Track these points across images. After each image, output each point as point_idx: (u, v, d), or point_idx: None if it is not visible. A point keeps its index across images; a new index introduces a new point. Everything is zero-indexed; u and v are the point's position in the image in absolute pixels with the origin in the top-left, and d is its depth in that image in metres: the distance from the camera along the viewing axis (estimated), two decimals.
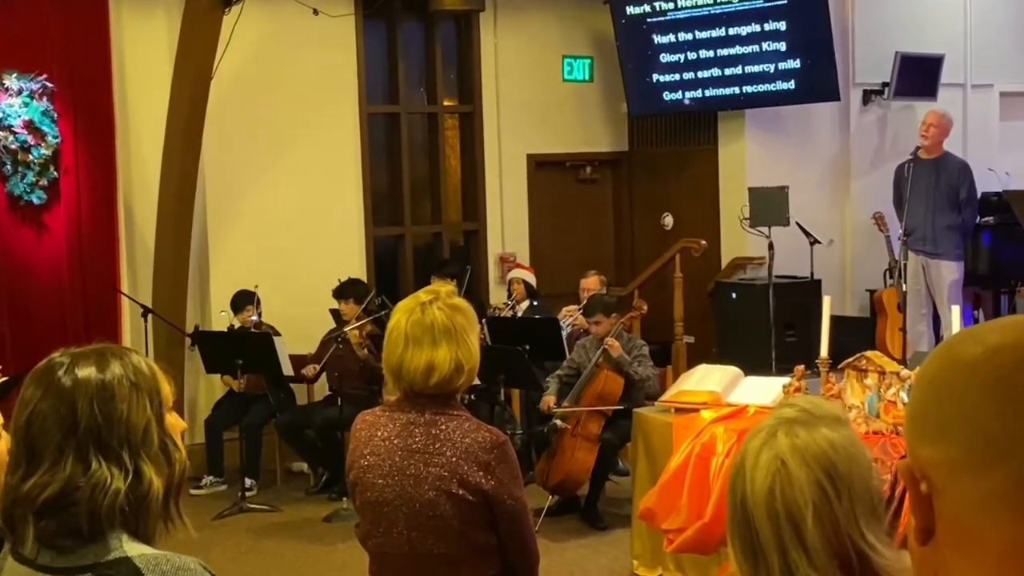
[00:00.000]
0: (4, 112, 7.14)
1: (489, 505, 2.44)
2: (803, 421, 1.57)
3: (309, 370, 7.39)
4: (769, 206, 7.74)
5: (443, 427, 2.49)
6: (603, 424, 6.42)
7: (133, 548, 1.58)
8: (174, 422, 1.70)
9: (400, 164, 8.88)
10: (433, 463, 2.46)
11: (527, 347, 6.85)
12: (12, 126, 7.16)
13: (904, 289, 7.71)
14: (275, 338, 7.04)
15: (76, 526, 1.57)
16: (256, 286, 7.45)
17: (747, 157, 8.82)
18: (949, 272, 7.76)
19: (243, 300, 7.46)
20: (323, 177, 8.33)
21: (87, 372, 1.63)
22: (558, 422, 6.38)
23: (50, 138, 7.27)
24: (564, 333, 7.29)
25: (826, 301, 5.03)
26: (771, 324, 7.64)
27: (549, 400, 6.56)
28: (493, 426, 6.86)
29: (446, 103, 9.18)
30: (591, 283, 7.66)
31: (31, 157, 7.23)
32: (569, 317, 7.58)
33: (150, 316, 7.34)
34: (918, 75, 8.94)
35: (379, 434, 2.55)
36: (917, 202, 7.74)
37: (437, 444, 2.48)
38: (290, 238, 8.19)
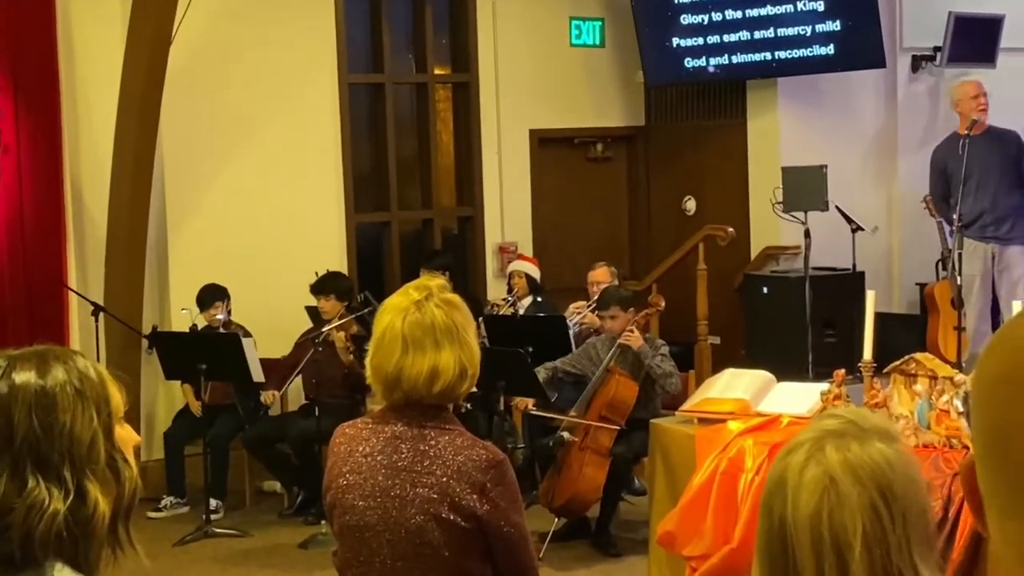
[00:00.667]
0: None
1: (484, 532, 2.43)
2: (853, 433, 1.54)
3: (267, 397, 7.39)
4: (805, 188, 7.73)
5: (433, 442, 2.48)
6: (615, 436, 6.42)
7: None
8: (126, 435, 1.69)
9: (385, 141, 8.88)
10: (421, 483, 2.45)
11: (530, 349, 6.83)
12: None
13: (959, 282, 7.69)
14: (244, 340, 7.03)
15: (7, 553, 1.56)
16: (227, 289, 7.45)
17: (780, 132, 8.81)
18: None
19: (211, 296, 7.46)
20: (298, 157, 8.33)
21: (25, 377, 1.61)
22: (564, 434, 6.37)
23: None
24: (571, 332, 7.28)
25: (870, 296, 5.02)
26: (807, 323, 7.63)
27: (526, 400, 6.56)
28: (492, 439, 6.81)
29: (437, 72, 9.17)
30: (600, 275, 7.66)
31: None
32: (577, 314, 7.57)
33: (101, 315, 7.33)
34: (975, 38, 8.92)
35: (360, 449, 2.54)
36: (977, 184, 7.71)
37: (426, 462, 2.47)
38: (261, 226, 8.19)
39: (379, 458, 2.51)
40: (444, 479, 2.44)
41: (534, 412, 6.54)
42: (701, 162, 9.48)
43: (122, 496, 1.64)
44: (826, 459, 1.52)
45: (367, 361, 2.52)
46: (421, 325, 2.46)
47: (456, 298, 2.54)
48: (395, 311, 2.49)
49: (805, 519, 1.50)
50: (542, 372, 6.62)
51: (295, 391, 7.76)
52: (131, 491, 1.65)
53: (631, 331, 6.52)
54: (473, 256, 9.26)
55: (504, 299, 8.08)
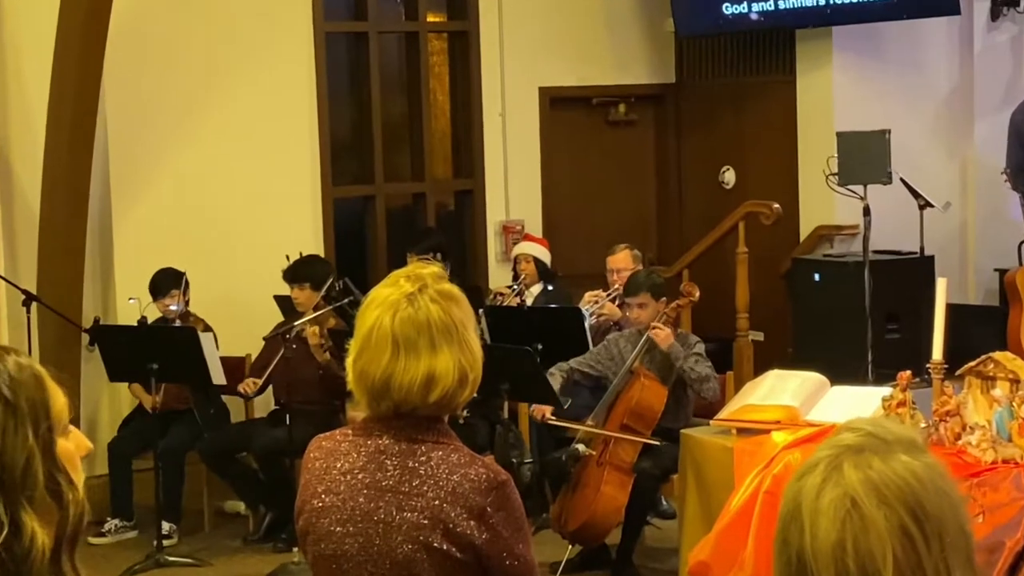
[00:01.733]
0: None
1: (482, 565, 2.44)
2: (873, 448, 1.54)
3: (248, 385, 7.40)
4: (864, 157, 7.71)
5: (424, 458, 2.47)
6: (640, 449, 6.43)
7: None
8: (71, 447, 1.66)
9: (368, 102, 8.88)
10: (409, 506, 2.45)
11: (539, 346, 6.83)
12: None
13: None
14: (202, 335, 7.05)
15: None
16: (184, 273, 7.46)
17: (835, 91, 8.79)
18: None
19: (166, 282, 7.48)
20: (265, 121, 8.33)
21: None
22: (580, 447, 6.39)
23: None
24: (588, 326, 7.30)
25: (941, 285, 5.02)
26: (866, 316, 7.62)
27: (544, 409, 6.57)
28: (494, 452, 6.84)
29: (431, 19, 9.16)
30: (621, 260, 7.67)
31: None
32: (595, 305, 7.58)
33: (34, 305, 7.35)
34: None
35: (339, 465, 2.53)
36: None
37: (416, 481, 2.46)
38: (222, 202, 8.20)
39: (361, 476, 2.50)
40: (436, 502, 2.43)
41: (554, 423, 6.54)
42: (742, 127, 9.46)
43: (65, 524, 1.62)
44: (845, 479, 1.52)
45: (349, 363, 2.51)
46: (414, 323, 2.45)
47: (454, 290, 2.54)
48: (383, 306, 2.48)
49: (826, 550, 1.50)
50: (555, 375, 6.63)
51: (262, 395, 7.77)
52: (76, 517, 1.63)
53: (659, 326, 6.52)
54: (472, 237, 9.27)
55: (509, 287, 8.09)
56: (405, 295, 2.48)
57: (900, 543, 1.49)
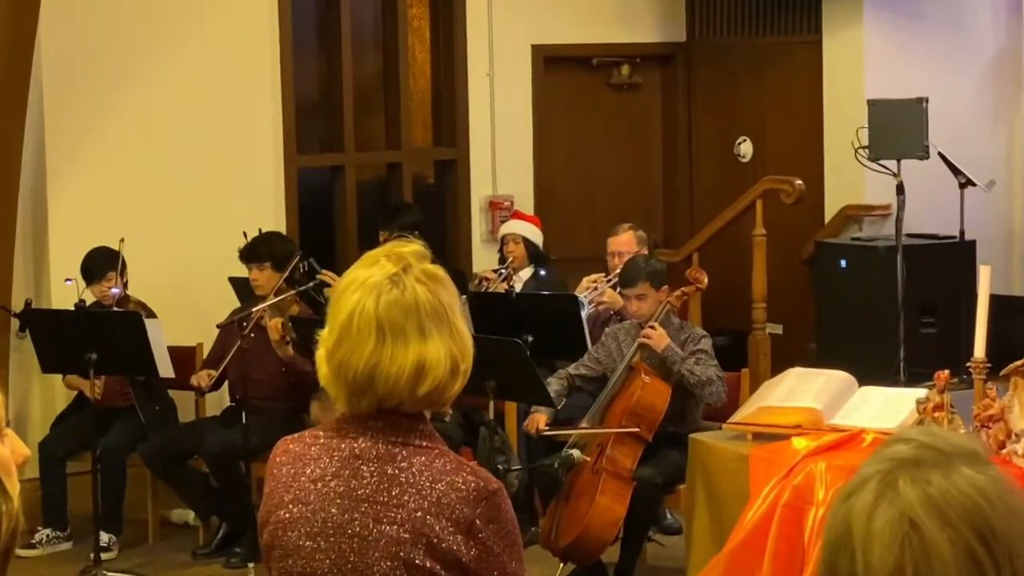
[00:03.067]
0: None
1: None
2: (932, 460, 1.51)
3: (202, 377, 7.39)
4: (898, 128, 7.73)
5: (405, 464, 2.47)
6: (640, 455, 6.45)
7: None
8: (6, 452, 1.66)
9: (338, 60, 8.86)
10: (388, 518, 2.44)
11: (529, 338, 6.83)
12: None
13: None
14: (147, 321, 7.04)
15: None
16: (122, 240, 7.44)
17: (866, 54, 8.80)
18: None
19: (101, 264, 7.45)
20: (221, 80, 8.31)
21: None
22: (573, 452, 6.39)
23: None
24: (585, 315, 7.30)
25: (984, 273, 5.03)
26: (899, 307, 7.65)
27: (539, 419, 6.58)
28: (477, 458, 6.83)
29: None
30: (624, 242, 7.67)
31: None
32: (593, 291, 7.58)
33: None
34: None
35: (309, 472, 2.52)
36: None
37: (395, 490, 2.45)
38: (171, 173, 8.18)
39: (333, 484, 2.50)
40: (419, 513, 2.43)
41: (549, 433, 6.53)
42: (761, 92, 9.46)
43: None
44: (901, 497, 1.49)
45: (321, 357, 2.50)
46: (401, 306, 2.45)
47: (439, 271, 2.53)
48: (364, 288, 2.47)
49: None
50: (554, 383, 6.64)
51: (216, 391, 7.76)
52: (9, 532, 1.62)
53: (652, 326, 6.52)
54: (454, 214, 9.26)
55: (495, 271, 8.09)
56: (388, 276, 2.47)
57: (967, 570, 1.46)
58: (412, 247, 2.55)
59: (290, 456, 2.59)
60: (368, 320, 2.45)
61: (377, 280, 2.47)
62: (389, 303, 2.45)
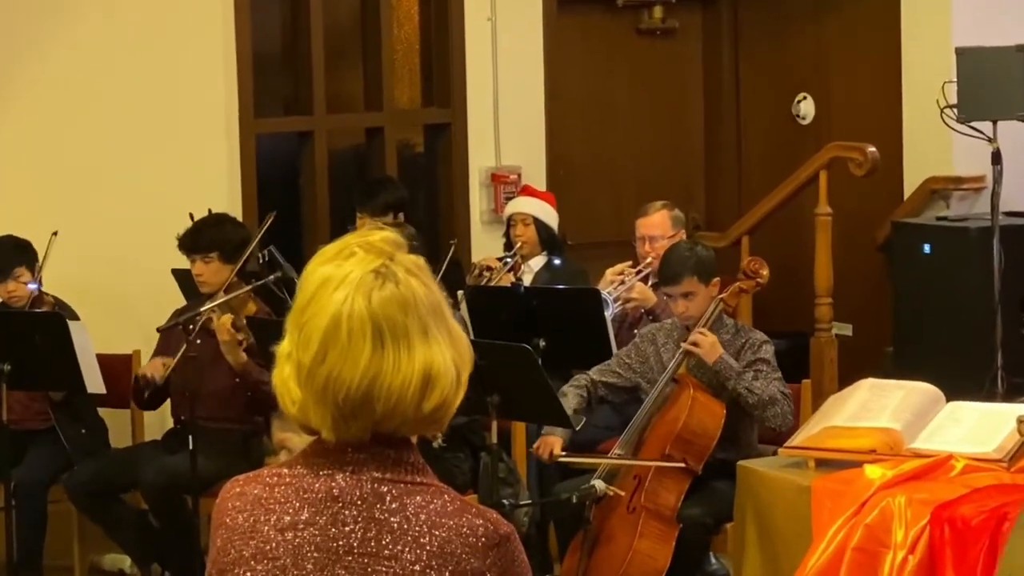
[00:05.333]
0: None
1: None
2: None
3: (156, 367, 7.27)
4: (994, 84, 7.72)
5: (396, 506, 2.45)
6: (685, 489, 6.45)
7: None
8: None
9: (306, 1, 8.85)
10: (379, 574, 2.43)
11: (541, 342, 6.83)
12: None
13: None
14: (73, 324, 7.05)
15: None
16: (54, 234, 7.42)
17: None
18: None
19: (8, 257, 7.45)
20: (159, 26, 8.31)
21: None
22: (598, 484, 6.38)
23: None
24: (609, 315, 7.30)
25: None
26: (996, 302, 7.64)
27: (552, 442, 6.55)
28: (479, 491, 6.80)
29: None
30: (656, 224, 7.67)
31: None
32: (619, 285, 7.59)
33: None
34: None
35: (273, 520, 2.50)
36: None
37: (386, 539, 2.44)
38: (97, 144, 8.19)
39: (307, 534, 2.47)
40: (417, 567, 2.41)
41: (567, 461, 6.51)
42: (824, 39, 9.45)
43: None
44: None
45: (287, 374, 2.46)
46: (400, 302, 2.43)
47: (421, 261, 2.53)
48: (348, 284, 2.46)
49: None
50: (570, 395, 6.62)
51: (155, 410, 7.76)
52: None
53: (702, 332, 6.49)
54: (449, 190, 9.26)
55: (500, 260, 8.09)
56: (372, 269, 2.46)
57: None
58: (382, 234, 2.54)
59: (246, 500, 2.55)
60: (361, 322, 2.42)
61: (360, 275, 2.45)
62: (385, 300, 2.43)
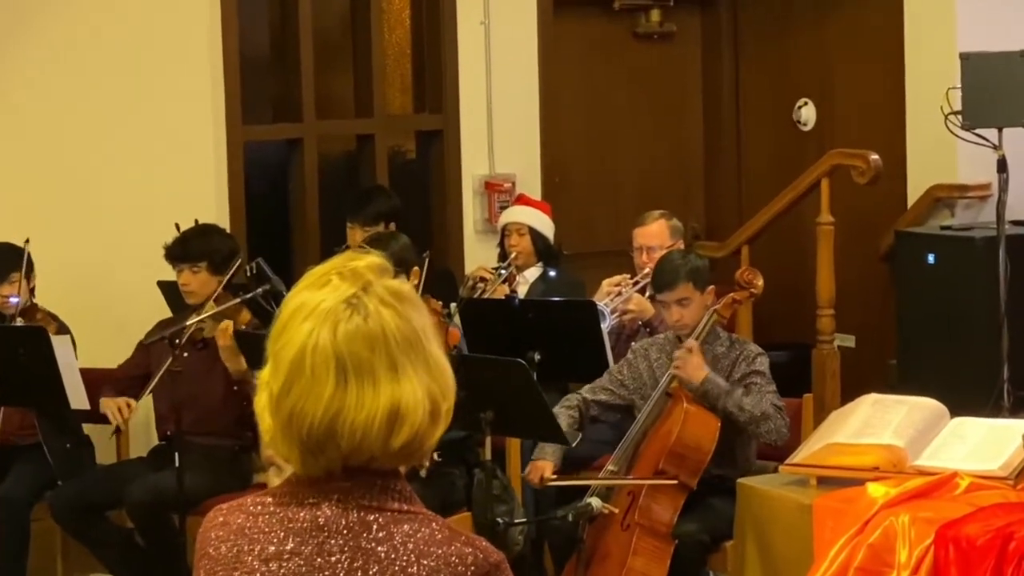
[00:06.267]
0: None
1: None
2: None
3: (119, 407, 7.25)
4: (1000, 89, 7.71)
5: (383, 535, 2.45)
6: (680, 506, 6.45)
7: None
8: None
9: (295, 1, 8.83)
10: None
11: (536, 356, 6.84)
12: None
13: None
14: (56, 338, 7.04)
15: None
16: (26, 241, 7.42)
17: None
18: None
19: (6, 261, 7.44)
20: (145, 28, 8.30)
21: None
22: (594, 501, 6.37)
23: None
24: (606, 327, 7.29)
25: None
26: (1001, 315, 7.63)
27: (543, 467, 6.54)
28: (472, 509, 6.77)
29: None
30: (654, 234, 7.67)
31: None
32: (616, 296, 7.59)
33: None
34: None
35: (257, 550, 2.50)
36: None
37: (373, 568, 2.44)
38: (81, 151, 8.18)
39: (291, 565, 2.47)
40: None
41: (556, 483, 6.50)
42: (826, 43, 9.45)
43: None
44: None
45: (262, 402, 2.47)
46: (366, 337, 2.43)
47: (406, 287, 2.52)
48: (316, 316, 2.45)
49: None
50: (562, 416, 6.61)
51: (142, 424, 7.75)
52: None
53: (684, 357, 6.48)
54: (441, 199, 9.25)
55: (494, 271, 8.08)
56: (344, 299, 2.45)
57: None
58: (368, 259, 2.53)
59: (229, 530, 2.55)
60: (324, 356, 2.43)
61: (331, 305, 2.45)
62: (349, 334, 2.43)
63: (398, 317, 2.46)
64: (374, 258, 2.54)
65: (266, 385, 2.49)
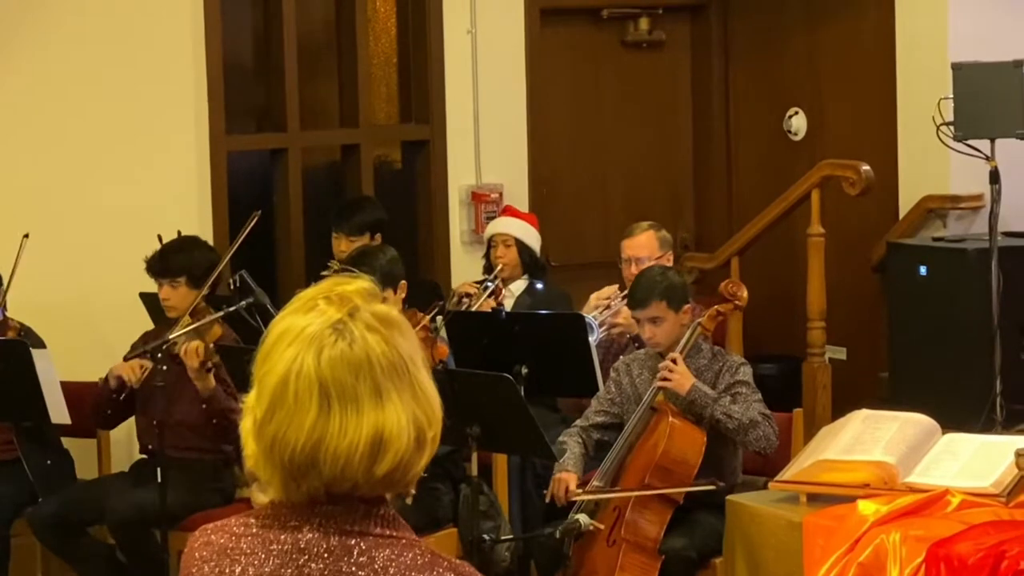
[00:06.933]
0: None
1: None
2: None
3: (132, 368, 7.15)
4: (992, 100, 7.72)
5: (364, 559, 2.45)
6: (667, 521, 6.45)
7: None
8: None
9: (278, 11, 8.84)
10: None
11: (524, 370, 6.85)
12: None
13: None
14: (36, 352, 7.04)
15: None
16: (26, 236, 7.40)
17: (949, 4, 8.79)
18: None
19: None
20: (127, 38, 8.29)
21: None
22: (580, 518, 6.38)
23: None
24: (594, 340, 7.30)
25: None
26: (994, 326, 7.64)
27: (567, 479, 6.55)
28: (459, 525, 6.77)
29: None
30: (642, 245, 7.68)
31: None
32: (605, 309, 7.59)
33: None
34: None
35: (238, 571, 2.50)
36: None
37: None
38: (62, 161, 8.17)
39: None
40: None
41: (582, 497, 6.45)
42: (817, 52, 9.45)
43: None
44: None
45: (247, 427, 2.48)
46: (350, 363, 2.43)
47: (393, 312, 2.52)
48: (301, 341, 2.45)
49: None
50: (570, 442, 6.58)
51: (124, 438, 7.73)
52: None
53: (671, 367, 6.49)
54: (427, 209, 9.25)
55: (481, 283, 8.08)
56: (330, 324, 2.45)
57: None
58: (357, 284, 2.53)
59: (213, 551, 2.56)
60: (308, 382, 2.43)
61: (316, 330, 2.45)
62: (334, 360, 2.43)
63: (384, 343, 2.46)
64: (362, 283, 2.53)
65: (251, 410, 2.49)
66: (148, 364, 7.20)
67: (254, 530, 2.54)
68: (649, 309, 6.59)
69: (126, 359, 7.37)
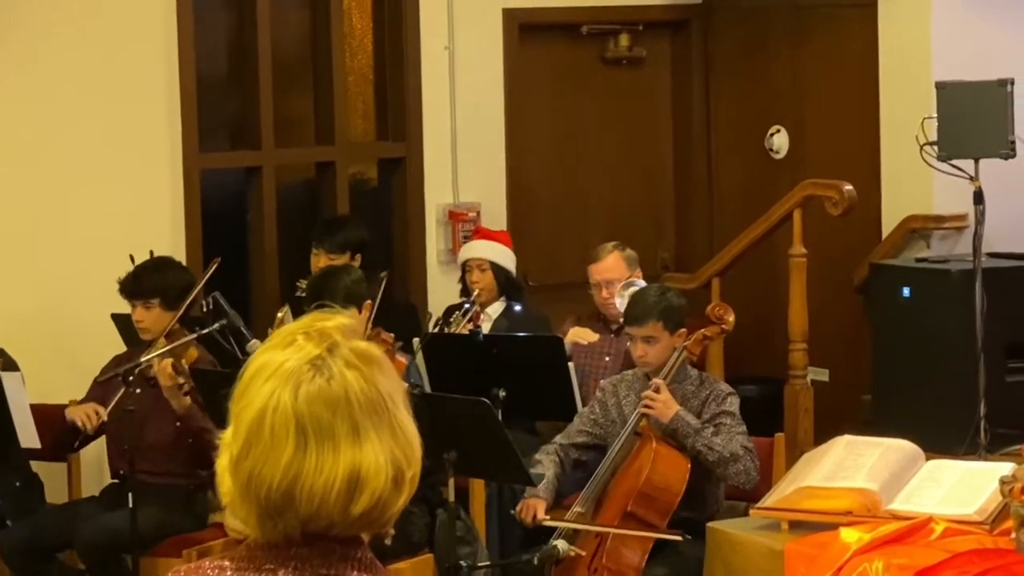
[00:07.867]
0: None
1: None
2: None
3: (86, 412, 7.20)
4: (976, 119, 7.74)
5: None
6: (649, 549, 6.44)
7: None
8: None
9: (252, 26, 8.84)
10: None
11: (501, 393, 6.85)
12: None
13: None
14: (5, 375, 7.02)
15: None
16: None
17: (934, 23, 8.82)
18: None
19: None
20: (99, 54, 8.30)
21: None
22: (560, 544, 6.37)
23: None
24: (573, 364, 7.30)
25: None
26: (978, 348, 7.65)
27: (535, 505, 6.55)
28: (435, 551, 6.77)
29: None
30: (610, 267, 7.71)
31: None
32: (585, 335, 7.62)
33: None
34: None
35: None
36: None
37: None
38: (31, 180, 8.17)
39: None
40: None
41: (550, 523, 6.47)
42: (799, 70, 9.47)
43: None
44: None
45: (223, 464, 2.48)
46: (328, 399, 2.43)
47: (374, 349, 2.52)
48: (278, 376, 2.45)
49: None
50: (545, 461, 6.62)
51: (94, 462, 7.72)
52: None
53: (653, 395, 6.49)
54: (404, 228, 9.25)
55: (458, 306, 8.07)
56: (309, 360, 2.45)
57: None
58: (337, 320, 2.52)
59: None
60: (284, 419, 2.43)
61: (295, 366, 2.45)
62: (311, 396, 2.43)
63: (363, 380, 2.46)
64: (343, 319, 2.54)
65: (227, 447, 2.48)
66: (103, 411, 7.20)
67: (228, 573, 2.53)
68: (645, 328, 6.61)
69: (97, 382, 7.37)
